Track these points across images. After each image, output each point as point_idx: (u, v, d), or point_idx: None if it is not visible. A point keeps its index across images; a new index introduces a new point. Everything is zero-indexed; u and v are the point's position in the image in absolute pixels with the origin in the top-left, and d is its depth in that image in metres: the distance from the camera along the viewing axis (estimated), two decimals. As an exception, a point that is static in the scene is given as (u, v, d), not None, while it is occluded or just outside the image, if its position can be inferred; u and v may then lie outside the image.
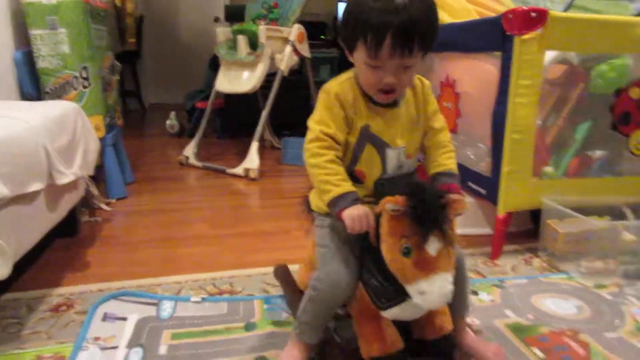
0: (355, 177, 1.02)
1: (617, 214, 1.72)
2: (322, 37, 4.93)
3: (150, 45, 5.74)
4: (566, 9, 1.99)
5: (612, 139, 1.76)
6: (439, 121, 1.10)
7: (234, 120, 3.88)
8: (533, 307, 1.36)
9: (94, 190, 2.04)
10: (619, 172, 1.79)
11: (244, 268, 1.58)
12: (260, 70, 2.82)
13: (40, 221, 1.37)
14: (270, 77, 2.92)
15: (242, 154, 2.86)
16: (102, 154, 2.16)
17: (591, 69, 1.70)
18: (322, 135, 0.98)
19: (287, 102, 3.37)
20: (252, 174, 2.70)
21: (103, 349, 1.12)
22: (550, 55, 1.59)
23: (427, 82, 1.09)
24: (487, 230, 1.85)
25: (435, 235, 0.86)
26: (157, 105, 5.70)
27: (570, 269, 1.58)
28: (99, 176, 2.21)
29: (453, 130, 1.99)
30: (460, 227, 1.88)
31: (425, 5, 0.91)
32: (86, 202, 2.03)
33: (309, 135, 1.00)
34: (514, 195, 1.65)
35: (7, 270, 1.03)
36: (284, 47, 2.94)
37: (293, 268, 1.40)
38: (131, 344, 1.14)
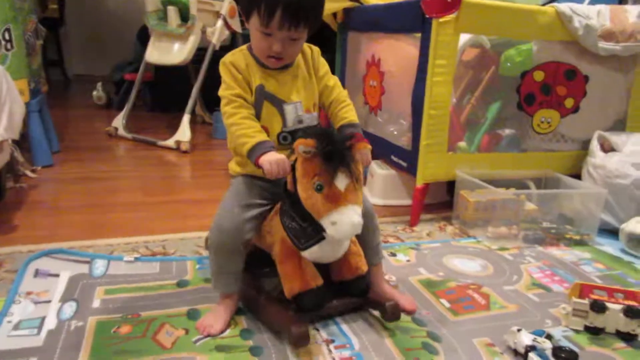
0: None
1: (521, 186, 1.91)
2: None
3: (73, 13, 5.48)
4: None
5: (518, 118, 1.94)
6: (332, 80, 1.22)
7: (164, 93, 3.82)
8: (443, 266, 1.51)
9: (19, 157, 2.01)
10: (524, 149, 1.98)
11: (176, 233, 1.62)
12: (192, 42, 2.82)
13: (-35, 182, 1.36)
14: (200, 51, 2.92)
15: (173, 128, 2.86)
16: (26, 120, 2.11)
17: (501, 53, 1.86)
18: (232, 97, 1.09)
19: (218, 77, 3.36)
20: (184, 147, 2.72)
21: (36, 302, 1.15)
22: (465, 38, 1.74)
23: (316, 48, 1.22)
24: (407, 202, 1.99)
25: (342, 172, 0.96)
26: (82, 77, 5.49)
27: (478, 234, 1.75)
28: (23, 144, 2.16)
29: (378, 107, 2.11)
30: (383, 198, 2.05)
31: None
32: (11, 169, 1.99)
33: (222, 102, 1.12)
34: (431, 167, 1.79)
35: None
36: (216, 20, 2.94)
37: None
38: (64, 298, 1.18)
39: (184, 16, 2.85)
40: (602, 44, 1.81)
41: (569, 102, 1.92)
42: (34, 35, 2.31)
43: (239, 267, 1.13)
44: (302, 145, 0.96)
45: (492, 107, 1.92)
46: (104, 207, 1.86)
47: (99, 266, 1.35)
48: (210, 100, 3.68)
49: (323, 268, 1.12)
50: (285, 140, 1.14)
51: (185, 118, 2.79)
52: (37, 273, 1.28)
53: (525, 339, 1.05)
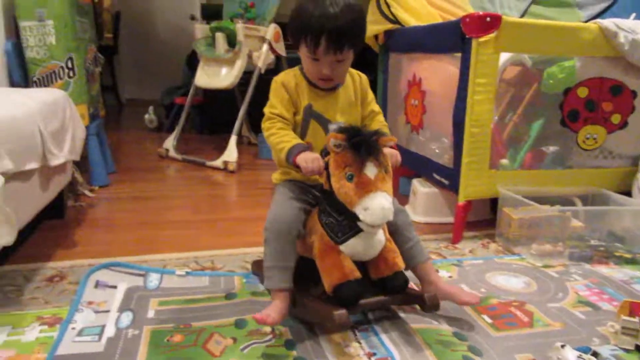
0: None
1: (567, 203, 1.89)
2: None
3: (126, 42, 5.78)
4: (522, 16, 2.17)
5: (562, 135, 1.93)
6: (376, 107, 1.33)
7: (212, 116, 3.98)
8: (486, 283, 1.51)
9: (79, 177, 2.14)
10: (569, 165, 1.97)
11: (224, 249, 1.69)
12: (238, 66, 2.94)
13: (34, 199, 1.47)
14: (247, 74, 3.04)
15: (221, 149, 2.97)
16: (85, 143, 2.25)
17: (543, 70, 1.87)
18: (271, 114, 1.21)
19: (263, 100, 3.47)
20: (231, 167, 2.81)
21: (96, 312, 1.23)
22: (505, 56, 1.75)
23: (364, 76, 1.32)
24: (450, 219, 1.99)
25: (371, 162, 1.05)
26: (134, 101, 5.75)
27: (522, 252, 1.74)
28: (82, 165, 2.29)
29: (419, 126, 2.14)
30: (426, 215, 2.07)
31: (354, 15, 1.14)
32: (71, 188, 2.12)
33: (264, 118, 1.23)
34: (473, 185, 1.80)
35: (13, 238, 1.13)
36: (261, 45, 3.05)
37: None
38: (122, 308, 1.25)
39: (231, 42, 2.98)
40: (650, 59, 1.79)
41: (616, 118, 1.90)
42: (94, 63, 2.47)
43: (292, 262, 1.18)
44: (333, 138, 1.06)
45: (535, 125, 1.92)
46: (156, 224, 1.96)
47: (153, 279, 1.43)
48: (256, 122, 3.79)
49: (362, 268, 1.16)
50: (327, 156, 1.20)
51: (232, 139, 2.90)
52: (97, 284, 1.37)
53: (570, 355, 1.05)
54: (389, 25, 2.27)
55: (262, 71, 3.04)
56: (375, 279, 1.18)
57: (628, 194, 1.90)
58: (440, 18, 2.12)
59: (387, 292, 1.18)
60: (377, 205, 1.03)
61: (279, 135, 1.18)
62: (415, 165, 2.17)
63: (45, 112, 1.55)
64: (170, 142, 3.16)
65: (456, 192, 1.83)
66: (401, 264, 1.19)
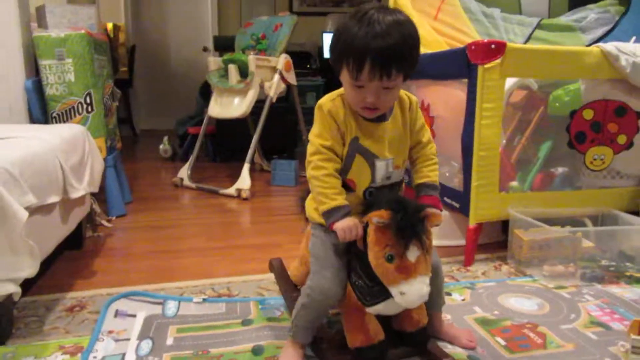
0: (346, 186, 1.13)
1: (577, 224, 1.90)
2: (308, 66, 5.15)
3: (141, 74, 5.93)
4: (526, 41, 2.22)
5: (570, 157, 1.96)
6: (426, 135, 1.21)
7: (225, 145, 4.05)
8: (499, 305, 1.52)
9: (97, 208, 2.19)
10: (578, 186, 1.99)
11: (239, 275, 1.73)
12: (251, 96, 3.01)
13: (55, 231, 1.53)
14: (258, 103, 3.11)
15: (234, 176, 3.02)
16: (103, 174, 2.31)
17: (549, 93, 1.90)
18: (322, 148, 1.09)
19: (275, 128, 3.55)
20: (244, 194, 2.86)
21: (117, 340, 1.27)
22: (511, 81, 1.79)
23: (414, 98, 1.18)
24: (461, 242, 2.00)
25: (414, 245, 0.99)
26: (148, 132, 5.86)
27: (534, 273, 1.75)
28: (99, 195, 2.35)
29: (429, 150, 2.17)
30: (438, 238, 2.08)
31: (403, 32, 0.99)
32: (89, 219, 2.17)
33: (310, 148, 1.11)
34: (483, 207, 1.83)
35: (36, 270, 1.18)
36: (272, 75, 3.13)
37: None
38: (141, 337, 1.29)
39: (243, 72, 3.06)
40: (652, 81, 1.82)
41: (622, 139, 1.93)
42: (111, 98, 2.55)
43: (322, 320, 1.19)
44: (377, 217, 0.99)
45: (543, 147, 1.95)
46: (172, 252, 2.00)
47: (171, 307, 1.46)
48: (269, 149, 3.86)
49: (384, 316, 1.17)
50: (371, 195, 1.15)
51: (245, 167, 2.95)
52: (117, 313, 1.41)
53: (583, 375, 1.06)
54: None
55: (274, 100, 3.11)
56: (397, 329, 1.20)
57: (636, 213, 1.91)
58: (447, 45, 2.17)
59: (406, 345, 1.20)
60: (415, 292, 0.99)
61: (324, 186, 1.08)
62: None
63: (65, 146, 1.61)
64: (184, 171, 3.22)
65: (467, 215, 1.85)
66: (425, 320, 1.19)
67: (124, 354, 1.20)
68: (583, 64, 1.79)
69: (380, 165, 1.12)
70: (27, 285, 1.56)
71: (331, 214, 1.07)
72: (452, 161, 2.07)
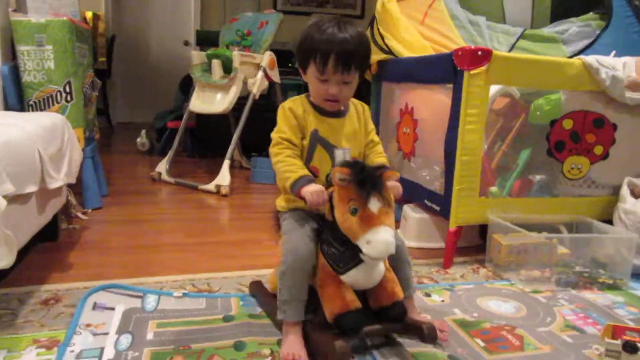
0: (310, 173, 1.23)
1: (553, 230, 1.94)
2: (290, 65, 5.14)
3: (119, 65, 5.83)
4: (509, 50, 2.26)
5: (549, 165, 2.00)
6: (376, 137, 1.38)
7: (204, 140, 4.01)
8: (478, 307, 1.54)
9: (72, 200, 2.15)
10: (556, 194, 2.03)
11: (219, 271, 1.71)
12: (233, 92, 2.99)
13: (31, 221, 1.49)
14: (240, 99, 3.09)
15: (212, 172, 3.00)
16: (80, 165, 2.26)
17: (531, 102, 1.94)
18: (280, 139, 1.23)
19: (255, 124, 3.53)
20: (223, 190, 2.84)
21: (95, 334, 1.24)
22: (495, 88, 1.82)
23: (366, 106, 1.37)
24: (441, 244, 2.03)
25: (375, 196, 1.08)
26: (124, 124, 5.77)
27: (511, 277, 1.78)
28: (75, 187, 2.30)
29: (411, 153, 2.19)
30: (417, 241, 2.11)
31: (361, 38, 1.20)
32: (64, 210, 2.12)
33: (272, 143, 1.25)
34: (463, 211, 1.85)
35: (12, 260, 1.14)
36: (256, 72, 3.12)
37: (264, 272, 1.57)
38: (120, 331, 1.27)
39: (227, 68, 3.03)
40: (630, 94, 1.87)
41: (598, 149, 1.97)
42: (91, 88, 2.50)
43: (306, 295, 1.20)
44: (339, 172, 1.09)
45: (523, 154, 1.98)
46: (150, 247, 1.97)
47: (151, 301, 1.44)
48: (249, 146, 3.84)
49: (361, 297, 1.19)
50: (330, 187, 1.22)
51: (226, 164, 2.93)
52: (95, 306, 1.38)
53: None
54: (383, 56, 2.34)
55: (257, 97, 3.09)
56: (375, 307, 1.22)
57: (610, 222, 1.96)
58: (433, 50, 2.20)
59: (385, 321, 1.21)
60: (380, 239, 1.06)
61: (286, 164, 1.20)
62: (406, 192, 2.21)
63: (45, 135, 1.57)
64: (162, 166, 3.18)
65: (447, 218, 1.87)
66: (400, 293, 1.23)
67: (102, 348, 1.18)
68: (565, 75, 1.83)
69: (338, 153, 1.25)
70: None
71: (297, 183, 1.16)
72: (434, 165, 2.09)
